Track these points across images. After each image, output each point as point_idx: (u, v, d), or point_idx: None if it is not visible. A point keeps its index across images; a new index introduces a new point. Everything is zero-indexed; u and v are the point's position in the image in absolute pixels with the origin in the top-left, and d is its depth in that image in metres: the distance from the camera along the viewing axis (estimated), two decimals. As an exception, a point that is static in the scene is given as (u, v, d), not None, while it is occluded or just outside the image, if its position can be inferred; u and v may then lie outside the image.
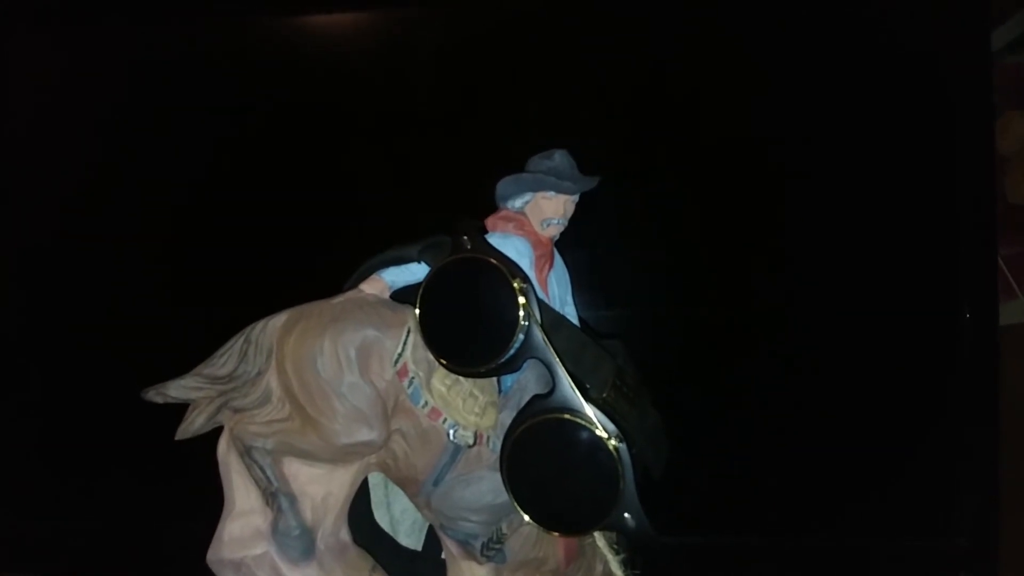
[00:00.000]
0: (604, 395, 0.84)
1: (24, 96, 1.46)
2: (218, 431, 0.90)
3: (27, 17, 1.45)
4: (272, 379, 0.87)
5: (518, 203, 0.89)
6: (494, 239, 0.86)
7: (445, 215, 0.87)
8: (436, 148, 1.34)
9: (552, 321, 0.84)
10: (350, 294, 0.89)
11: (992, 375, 1.24)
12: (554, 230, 0.90)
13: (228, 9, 1.40)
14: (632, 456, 0.79)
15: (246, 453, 0.86)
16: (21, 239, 1.44)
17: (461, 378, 0.85)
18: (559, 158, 0.89)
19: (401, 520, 0.98)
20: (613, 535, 0.94)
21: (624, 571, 0.92)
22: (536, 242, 0.88)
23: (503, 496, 0.82)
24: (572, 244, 0.94)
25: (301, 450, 0.85)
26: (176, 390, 0.87)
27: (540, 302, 0.83)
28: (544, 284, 0.89)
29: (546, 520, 0.81)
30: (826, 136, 1.27)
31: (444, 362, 0.82)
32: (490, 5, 1.36)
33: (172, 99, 1.41)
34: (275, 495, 0.86)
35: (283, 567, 0.86)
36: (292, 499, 0.86)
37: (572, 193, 0.89)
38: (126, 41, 1.44)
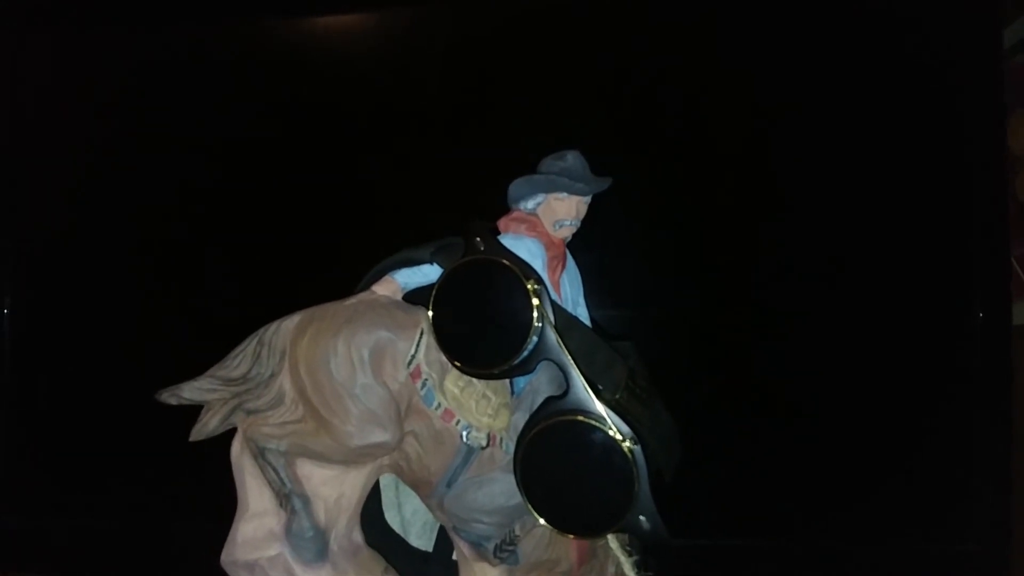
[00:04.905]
0: (617, 396, 0.84)
1: (36, 99, 1.46)
2: (232, 433, 0.90)
3: (33, 20, 1.46)
4: (285, 381, 0.87)
5: (530, 204, 0.89)
6: (507, 240, 0.86)
7: (457, 217, 0.87)
8: (448, 150, 1.34)
9: (565, 322, 0.84)
10: (363, 296, 0.89)
11: (1005, 375, 1.24)
12: (566, 231, 0.89)
13: (240, 10, 1.41)
14: (646, 458, 0.78)
15: (260, 455, 0.86)
16: (36, 240, 1.45)
17: (474, 380, 0.85)
18: (571, 159, 0.89)
19: (412, 521, 0.98)
20: (626, 537, 0.93)
21: (637, 573, 0.91)
22: (548, 243, 0.88)
23: (516, 498, 0.82)
24: (584, 245, 0.94)
25: (314, 452, 0.85)
26: (190, 392, 0.87)
27: (553, 303, 0.83)
28: (557, 285, 0.89)
29: (560, 522, 0.81)
30: (837, 136, 1.27)
31: (457, 364, 0.82)
32: (500, 4, 1.36)
33: (183, 102, 1.42)
34: (288, 496, 0.86)
35: (296, 568, 0.86)
36: (305, 500, 0.86)
37: (584, 194, 0.88)
38: (139, 44, 1.45)
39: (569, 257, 0.93)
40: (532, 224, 0.88)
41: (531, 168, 0.90)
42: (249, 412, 0.88)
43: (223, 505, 0.89)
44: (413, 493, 0.93)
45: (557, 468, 0.80)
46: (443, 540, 0.96)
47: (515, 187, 0.89)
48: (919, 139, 1.26)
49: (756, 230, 1.29)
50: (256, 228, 1.38)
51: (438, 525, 0.96)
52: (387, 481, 0.97)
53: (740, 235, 1.30)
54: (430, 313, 0.82)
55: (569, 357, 0.80)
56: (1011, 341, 1.24)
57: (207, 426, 0.88)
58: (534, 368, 0.82)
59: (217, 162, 1.41)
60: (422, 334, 0.85)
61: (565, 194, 0.88)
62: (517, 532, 0.87)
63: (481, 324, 0.82)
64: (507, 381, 0.88)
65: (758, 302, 1.30)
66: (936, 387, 1.26)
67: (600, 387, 0.83)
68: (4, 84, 1.46)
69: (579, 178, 0.87)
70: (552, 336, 0.80)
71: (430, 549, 0.98)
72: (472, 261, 0.82)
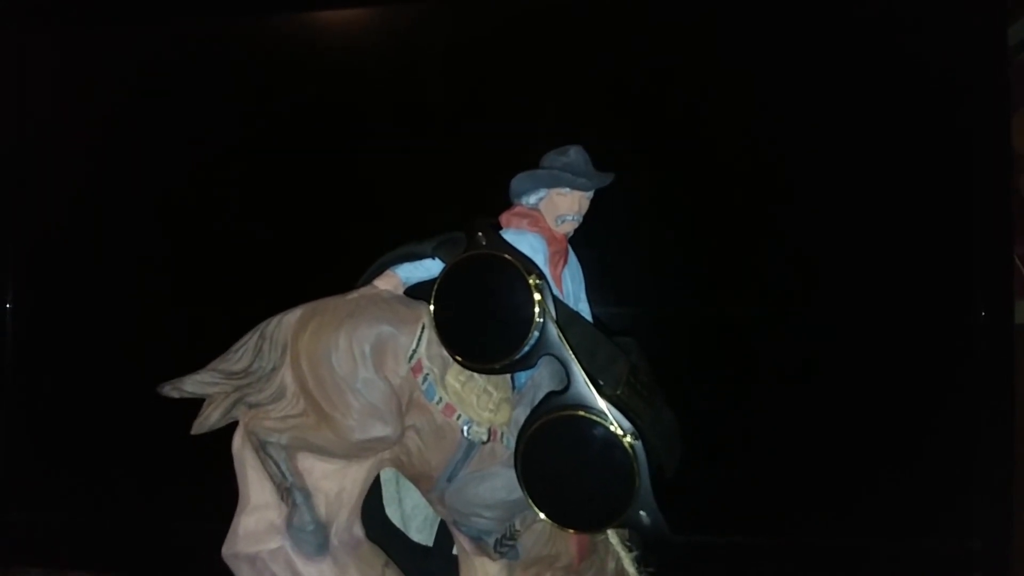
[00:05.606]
0: (618, 392, 0.84)
1: (38, 98, 1.47)
2: (233, 426, 0.90)
3: (33, 19, 1.46)
4: (287, 375, 0.88)
5: (533, 199, 0.89)
6: (509, 235, 0.86)
7: (459, 212, 0.87)
8: (450, 145, 1.34)
9: (567, 318, 0.84)
10: (364, 290, 0.89)
11: (1007, 374, 1.23)
12: (569, 226, 0.89)
13: (242, 8, 1.41)
14: (646, 453, 0.78)
15: (261, 448, 0.87)
16: (38, 237, 1.46)
17: (475, 374, 0.85)
18: (574, 154, 0.89)
19: (412, 516, 0.98)
20: (626, 532, 0.94)
21: (637, 569, 0.91)
22: (551, 238, 0.88)
23: (517, 492, 0.82)
24: (585, 241, 0.94)
25: (316, 446, 0.86)
26: (192, 385, 0.88)
27: (555, 298, 0.83)
28: (558, 280, 0.89)
29: (561, 517, 0.81)
30: (841, 133, 1.27)
31: (459, 359, 0.82)
32: (501, 3, 1.36)
33: (182, 99, 1.42)
34: (290, 490, 0.86)
35: (297, 562, 0.86)
36: (307, 494, 0.86)
37: (587, 189, 0.88)
38: (139, 42, 1.45)
39: (571, 252, 0.93)
40: (534, 219, 0.88)
41: (533, 164, 0.90)
42: (251, 406, 0.88)
43: (224, 501, 0.89)
44: (414, 488, 0.93)
45: (558, 463, 0.80)
46: (443, 535, 0.96)
47: (517, 182, 0.89)
48: (922, 137, 1.26)
49: (758, 227, 1.29)
50: (258, 224, 1.38)
51: (439, 520, 0.96)
52: (388, 476, 0.97)
53: (742, 232, 1.29)
54: (432, 308, 0.82)
55: (571, 352, 0.80)
56: (1013, 339, 1.24)
57: (209, 419, 0.88)
58: (535, 363, 0.82)
59: (218, 159, 1.41)
60: (423, 329, 0.85)
61: (567, 189, 0.88)
62: (517, 527, 0.87)
63: (483, 319, 0.82)
64: (508, 376, 0.88)
65: (760, 299, 1.29)
66: (938, 385, 1.26)
67: (601, 383, 0.83)
68: (5, 83, 1.46)
69: (581, 173, 0.87)
70: (554, 331, 0.80)
71: (430, 544, 0.98)
72: (474, 256, 0.82)
